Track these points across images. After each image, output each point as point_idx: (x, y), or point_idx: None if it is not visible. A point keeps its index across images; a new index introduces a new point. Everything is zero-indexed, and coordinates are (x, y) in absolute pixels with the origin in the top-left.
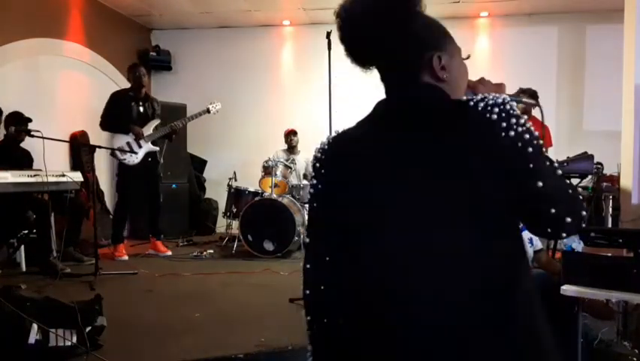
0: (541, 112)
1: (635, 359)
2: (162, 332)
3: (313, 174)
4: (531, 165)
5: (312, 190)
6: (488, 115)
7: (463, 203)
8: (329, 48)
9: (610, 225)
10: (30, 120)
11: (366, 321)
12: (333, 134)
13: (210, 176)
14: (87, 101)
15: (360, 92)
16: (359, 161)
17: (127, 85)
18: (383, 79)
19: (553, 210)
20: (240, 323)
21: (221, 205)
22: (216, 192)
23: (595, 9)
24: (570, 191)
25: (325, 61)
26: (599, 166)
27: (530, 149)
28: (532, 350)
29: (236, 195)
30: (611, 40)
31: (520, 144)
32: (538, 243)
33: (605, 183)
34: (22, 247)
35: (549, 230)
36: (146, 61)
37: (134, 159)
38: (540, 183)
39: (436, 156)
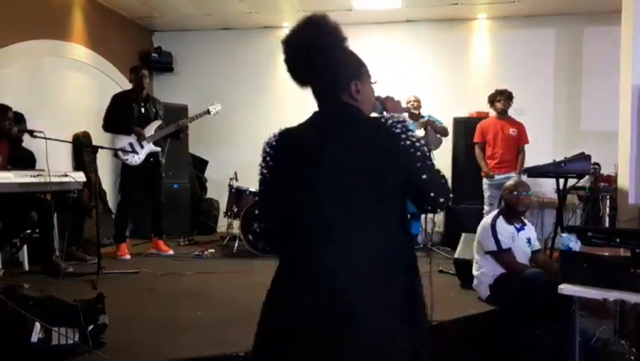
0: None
1: (632, 357)
2: (164, 330)
3: (262, 162)
4: (418, 165)
5: (260, 175)
6: (393, 129)
7: (372, 187)
8: None
9: (607, 225)
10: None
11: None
12: (278, 131)
13: (211, 176)
14: (89, 102)
15: None
16: (298, 153)
17: (129, 86)
18: (315, 94)
19: (432, 194)
20: (240, 322)
21: (223, 205)
22: (217, 192)
23: (592, 11)
24: (442, 181)
25: None
26: (597, 166)
27: (419, 153)
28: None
29: (237, 195)
30: (608, 41)
31: (412, 150)
32: (536, 243)
33: (602, 184)
34: (25, 246)
35: (429, 208)
36: (147, 62)
37: (135, 160)
38: (424, 176)
39: (354, 153)
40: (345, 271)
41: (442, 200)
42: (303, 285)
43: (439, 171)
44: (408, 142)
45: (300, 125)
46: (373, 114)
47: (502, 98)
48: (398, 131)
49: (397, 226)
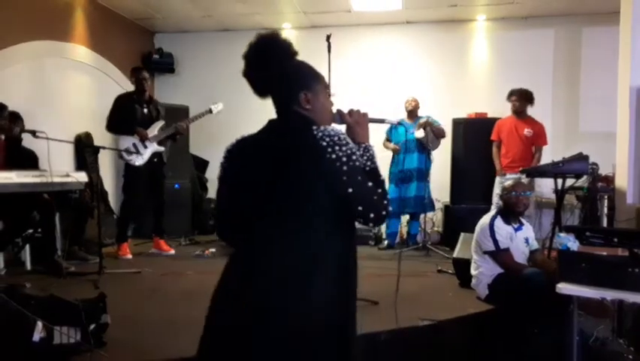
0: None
1: (630, 357)
2: (165, 329)
3: (220, 164)
4: (344, 178)
5: (218, 175)
6: (320, 141)
7: (301, 198)
8: (329, 51)
9: (605, 224)
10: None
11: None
12: (239, 137)
13: (212, 176)
14: (91, 103)
15: (358, 96)
16: (248, 158)
17: (130, 87)
18: (273, 104)
19: (360, 208)
20: None
21: None
22: None
23: (591, 12)
24: (375, 197)
25: (325, 63)
26: (595, 167)
27: (345, 167)
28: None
29: None
30: (606, 42)
31: (338, 163)
32: (534, 243)
33: (600, 184)
34: (27, 246)
35: (361, 220)
36: (149, 63)
37: (140, 160)
38: (350, 190)
39: (288, 163)
40: (267, 275)
41: (371, 215)
42: (234, 286)
43: (373, 188)
44: (334, 155)
45: (258, 132)
46: (333, 125)
47: (515, 99)
48: (324, 144)
49: (326, 235)
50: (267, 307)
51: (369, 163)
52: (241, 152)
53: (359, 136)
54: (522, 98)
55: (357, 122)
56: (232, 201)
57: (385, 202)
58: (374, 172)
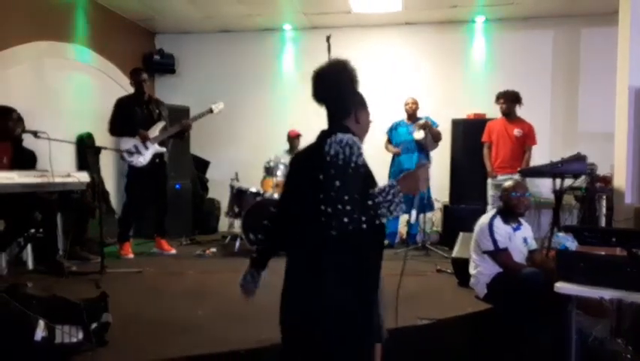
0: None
1: (628, 356)
2: (166, 328)
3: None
4: (332, 171)
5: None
6: (333, 143)
7: (312, 200)
8: (329, 51)
9: (603, 224)
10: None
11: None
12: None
13: (213, 176)
14: (92, 104)
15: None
16: (298, 166)
17: (131, 88)
18: (327, 114)
19: (329, 210)
20: (241, 320)
21: (224, 205)
22: (219, 193)
23: (590, 12)
24: (346, 207)
25: None
26: (593, 167)
27: (340, 162)
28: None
29: (238, 195)
30: (605, 42)
31: (334, 159)
32: (533, 243)
33: (598, 184)
34: (29, 245)
35: (333, 224)
36: (149, 64)
37: (141, 161)
38: (338, 183)
39: (320, 170)
40: (292, 271)
41: (345, 220)
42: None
43: (349, 200)
44: (332, 151)
45: (314, 141)
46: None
47: (502, 101)
48: (333, 143)
49: (340, 236)
50: (288, 305)
51: (384, 199)
52: (296, 159)
53: (406, 185)
54: (509, 100)
55: (418, 175)
56: (283, 203)
57: (346, 220)
58: (376, 205)
